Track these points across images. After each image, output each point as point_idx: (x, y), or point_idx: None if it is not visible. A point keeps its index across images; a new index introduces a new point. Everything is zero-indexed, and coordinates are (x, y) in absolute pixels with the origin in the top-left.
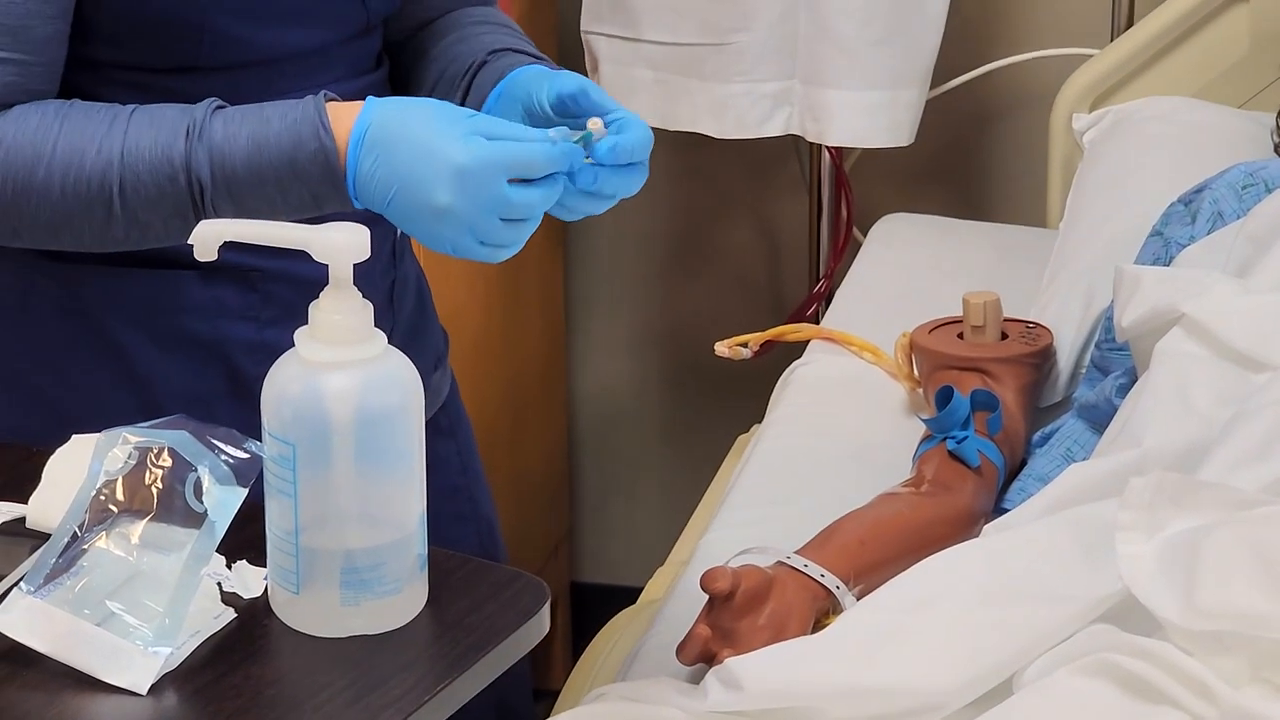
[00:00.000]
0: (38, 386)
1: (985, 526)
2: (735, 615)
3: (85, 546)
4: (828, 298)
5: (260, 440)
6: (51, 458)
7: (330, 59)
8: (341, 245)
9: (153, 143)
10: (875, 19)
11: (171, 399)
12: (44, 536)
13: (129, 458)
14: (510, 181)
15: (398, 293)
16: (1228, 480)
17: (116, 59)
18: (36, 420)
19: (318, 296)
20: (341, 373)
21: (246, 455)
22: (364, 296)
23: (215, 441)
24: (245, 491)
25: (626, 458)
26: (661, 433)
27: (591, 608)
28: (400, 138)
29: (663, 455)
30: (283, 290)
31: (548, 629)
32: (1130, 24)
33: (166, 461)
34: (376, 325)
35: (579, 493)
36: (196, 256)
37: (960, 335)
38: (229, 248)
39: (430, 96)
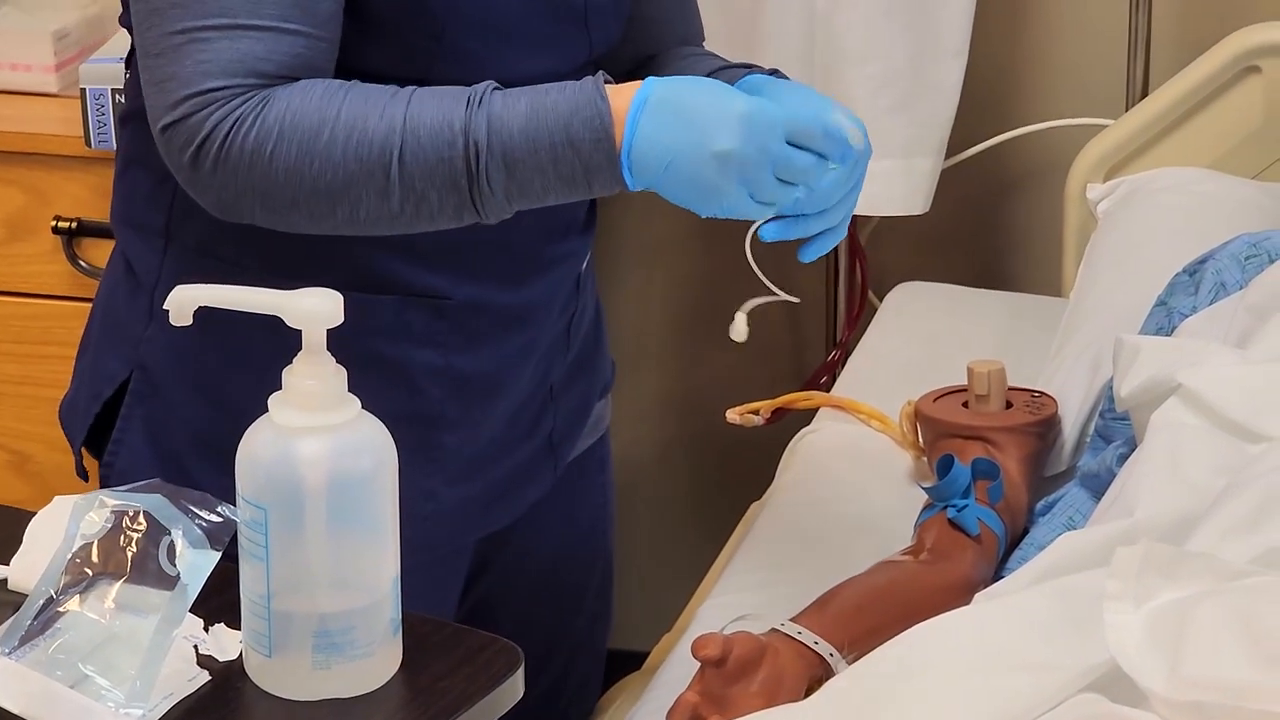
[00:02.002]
0: (235, 398)
1: (976, 595)
2: (727, 681)
3: (60, 609)
4: (843, 364)
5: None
6: (33, 519)
7: None
8: (314, 311)
9: (435, 110)
10: (890, 87)
11: None
12: (24, 598)
13: (105, 521)
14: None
15: (575, 324)
16: (1218, 550)
17: (353, 65)
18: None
19: (508, 326)
20: (314, 438)
21: (220, 519)
22: (544, 328)
23: (189, 505)
24: (218, 555)
25: (644, 523)
26: (678, 498)
27: (608, 673)
28: (683, 103)
29: (679, 520)
30: (471, 318)
31: (521, 693)
32: (1145, 95)
33: (141, 525)
34: (550, 355)
35: None
36: (172, 321)
37: (965, 404)
38: (417, 268)
39: None
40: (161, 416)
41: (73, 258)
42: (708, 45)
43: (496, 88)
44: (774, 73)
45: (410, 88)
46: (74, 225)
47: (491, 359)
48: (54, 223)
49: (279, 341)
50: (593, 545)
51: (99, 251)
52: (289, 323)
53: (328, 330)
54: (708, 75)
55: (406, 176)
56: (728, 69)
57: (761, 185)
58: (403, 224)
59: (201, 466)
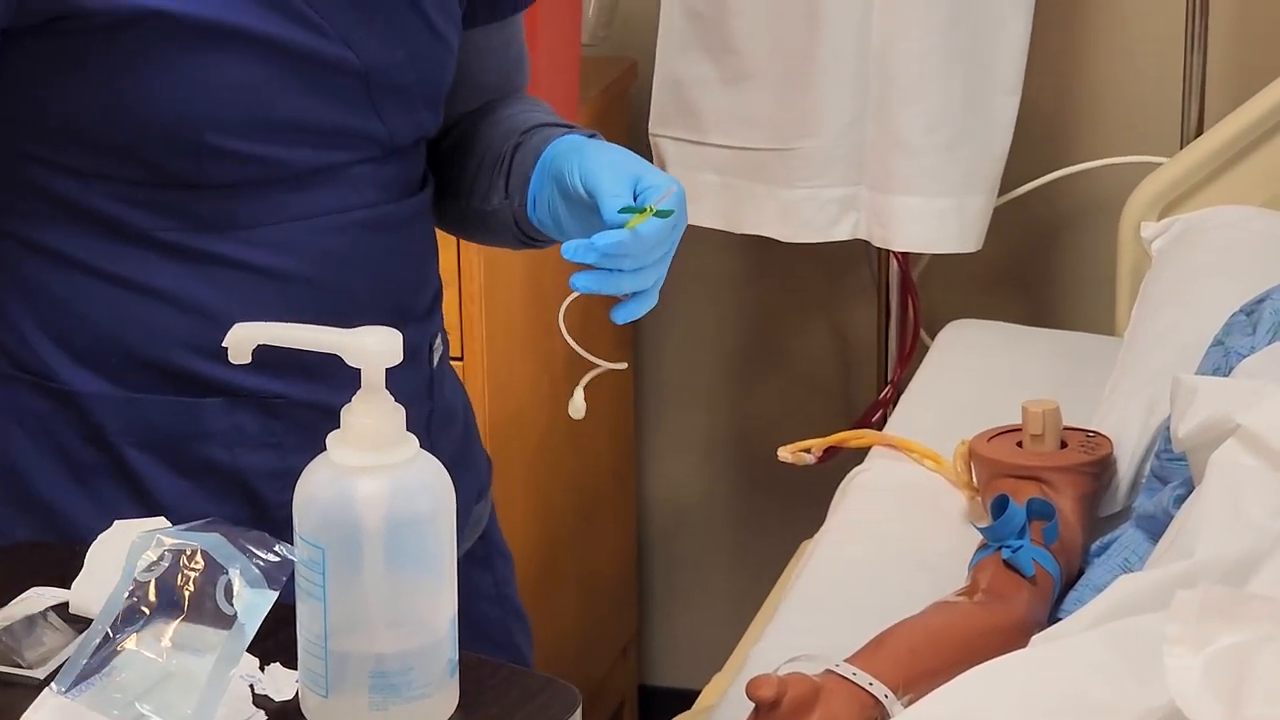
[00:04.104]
0: (63, 513)
1: (1034, 637)
2: None
3: (117, 647)
4: (894, 402)
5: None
6: (94, 544)
7: (348, 179)
8: (373, 349)
9: None
10: (943, 125)
11: None
12: (86, 622)
13: (162, 559)
14: None
15: (434, 424)
16: (1278, 592)
17: (105, 170)
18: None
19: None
20: (372, 477)
21: (277, 558)
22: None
23: (247, 544)
24: (275, 594)
25: (695, 560)
26: (729, 536)
27: (660, 712)
28: None
29: (730, 559)
30: (305, 417)
31: None
32: (1199, 132)
33: (199, 563)
34: None
35: (647, 594)
36: (231, 359)
37: (1019, 444)
38: (249, 374)
39: (474, 185)
40: None
41: None
42: (755, 79)
43: None
44: (592, 136)
45: None
46: None
47: None
48: None
49: None
50: (493, 644)
51: None
52: (349, 361)
53: (152, 438)
54: (523, 132)
55: None
56: (544, 127)
57: None
58: None
59: None
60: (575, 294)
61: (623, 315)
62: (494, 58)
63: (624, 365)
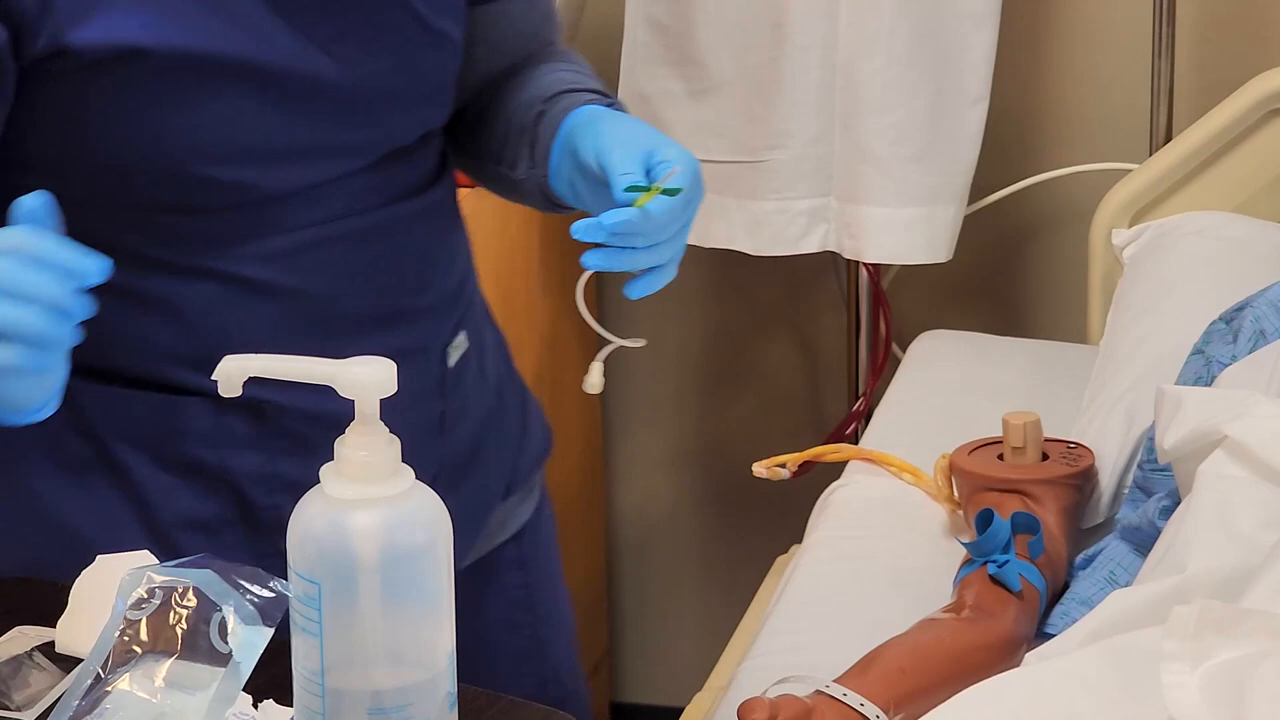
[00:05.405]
0: (55, 505)
1: (1026, 655)
2: None
3: (108, 688)
4: (867, 415)
5: (285, 575)
6: (77, 581)
7: (339, 191)
8: (367, 380)
9: None
10: (911, 136)
11: (177, 524)
12: (74, 661)
13: (153, 597)
14: None
15: (447, 423)
16: (1274, 607)
17: (93, 199)
18: (56, 548)
19: (328, 429)
20: (367, 510)
21: (272, 594)
22: (404, 424)
23: (240, 581)
24: (271, 631)
25: (665, 577)
26: (700, 552)
27: None
28: None
29: (702, 575)
30: (294, 423)
31: None
32: (1169, 138)
33: (191, 601)
34: (412, 457)
35: (619, 611)
36: (221, 393)
37: (1000, 456)
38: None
39: (502, 152)
40: None
41: None
42: (720, 92)
43: None
44: (612, 103)
45: None
46: None
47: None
48: None
49: None
50: (518, 648)
51: None
52: (342, 392)
53: (140, 435)
54: (546, 99)
55: None
56: (567, 94)
57: None
58: None
59: None
60: (589, 272)
61: (637, 290)
62: (518, 21)
63: (642, 342)
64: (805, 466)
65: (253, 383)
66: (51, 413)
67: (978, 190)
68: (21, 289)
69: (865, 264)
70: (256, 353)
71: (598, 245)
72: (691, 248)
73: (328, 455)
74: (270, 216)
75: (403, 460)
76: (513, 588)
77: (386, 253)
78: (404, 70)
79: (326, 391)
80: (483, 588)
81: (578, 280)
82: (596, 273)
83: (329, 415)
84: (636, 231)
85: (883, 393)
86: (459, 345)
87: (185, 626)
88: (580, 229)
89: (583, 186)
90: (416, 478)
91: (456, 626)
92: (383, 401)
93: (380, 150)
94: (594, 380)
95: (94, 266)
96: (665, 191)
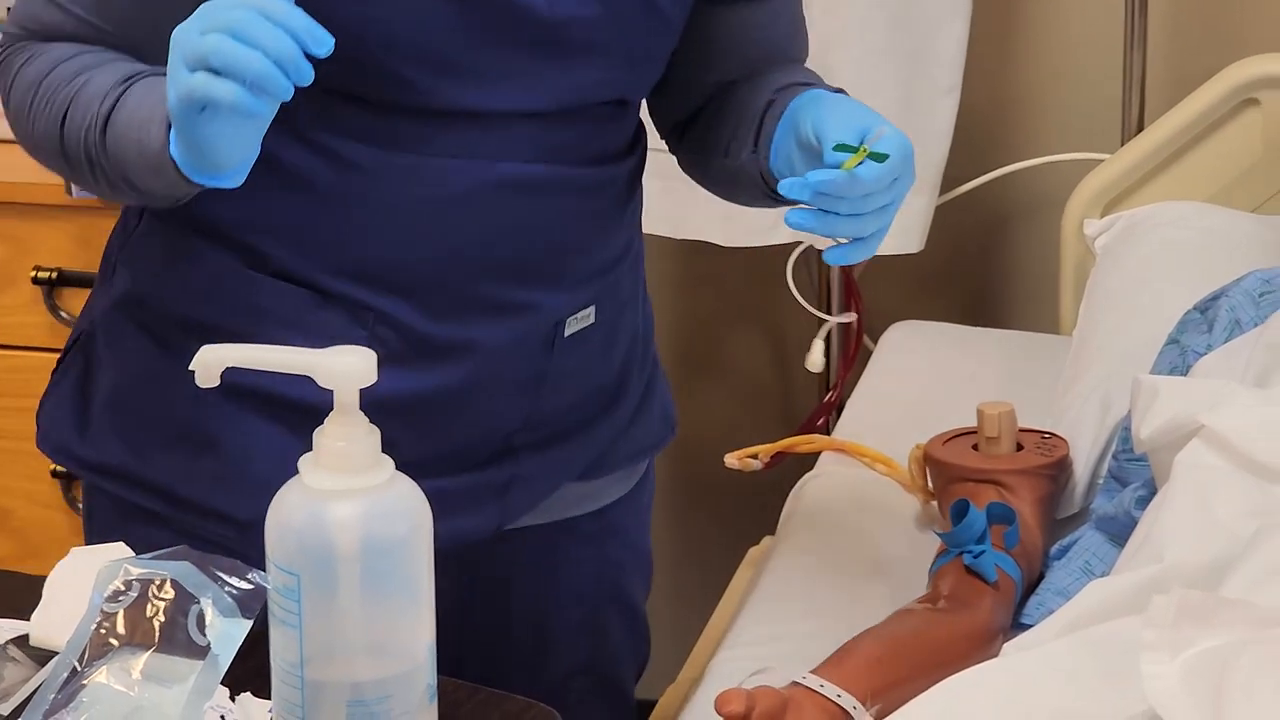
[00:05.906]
0: (241, 451)
1: (1005, 645)
2: None
3: (85, 681)
4: (838, 407)
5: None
6: (50, 574)
7: (530, 133)
8: (345, 371)
9: (100, 82)
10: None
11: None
12: (48, 654)
13: (130, 589)
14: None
15: (546, 387)
16: (1253, 596)
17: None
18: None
19: (429, 355)
20: (346, 501)
21: (251, 586)
22: (484, 376)
23: (219, 573)
24: (250, 623)
25: None
26: (672, 544)
27: None
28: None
29: (673, 566)
30: (389, 334)
31: None
32: (1141, 128)
33: (169, 593)
34: (503, 409)
35: None
36: (199, 383)
37: (975, 447)
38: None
39: (730, 143)
40: (89, 369)
41: (53, 308)
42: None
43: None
44: (839, 91)
45: (110, 59)
46: (54, 275)
47: (406, 383)
48: (34, 273)
49: None
50: (576, 621)
51: (80, 301)
52: (320, 382)
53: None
54: (778, 89)
55: (68, 144)
56: (799, 85)
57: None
58: (103, 190)
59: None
60: (802, 245)
61: (834, 256)
62: (758, 32)
63: (854, 316)
64: (778, 457)
65: (354, 284)
66: (240, 182)
67: (950, 180)
68: (251, 36)
69: None
70: (389, 260)
71: (802, 205)
72: (662, 239)
73: (414, 377)
74: (444, 139)
75: (482, 412)
76: (583, 560)
77: (540, 210)
78: (609, 27)
79: (425, 312)
80: (552, 550)
81: None
82: None
83: (420, 335)
84: (840, 194)
85: (854, 384)
86: (583, 318)
87: (163, 619)
88: (787, 186)
89: (800, 163)
90: (496, 426)
91: (521, 582)
92: (490, 347)
93: (566, 100)
94: (815, 359)
95: (324, 36)
96: (872, 156)
